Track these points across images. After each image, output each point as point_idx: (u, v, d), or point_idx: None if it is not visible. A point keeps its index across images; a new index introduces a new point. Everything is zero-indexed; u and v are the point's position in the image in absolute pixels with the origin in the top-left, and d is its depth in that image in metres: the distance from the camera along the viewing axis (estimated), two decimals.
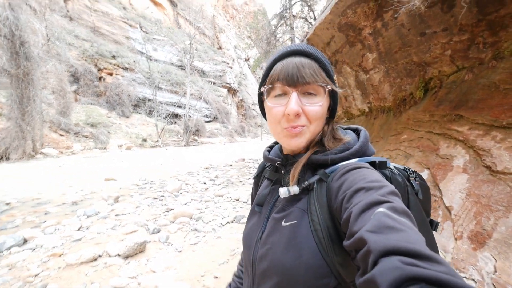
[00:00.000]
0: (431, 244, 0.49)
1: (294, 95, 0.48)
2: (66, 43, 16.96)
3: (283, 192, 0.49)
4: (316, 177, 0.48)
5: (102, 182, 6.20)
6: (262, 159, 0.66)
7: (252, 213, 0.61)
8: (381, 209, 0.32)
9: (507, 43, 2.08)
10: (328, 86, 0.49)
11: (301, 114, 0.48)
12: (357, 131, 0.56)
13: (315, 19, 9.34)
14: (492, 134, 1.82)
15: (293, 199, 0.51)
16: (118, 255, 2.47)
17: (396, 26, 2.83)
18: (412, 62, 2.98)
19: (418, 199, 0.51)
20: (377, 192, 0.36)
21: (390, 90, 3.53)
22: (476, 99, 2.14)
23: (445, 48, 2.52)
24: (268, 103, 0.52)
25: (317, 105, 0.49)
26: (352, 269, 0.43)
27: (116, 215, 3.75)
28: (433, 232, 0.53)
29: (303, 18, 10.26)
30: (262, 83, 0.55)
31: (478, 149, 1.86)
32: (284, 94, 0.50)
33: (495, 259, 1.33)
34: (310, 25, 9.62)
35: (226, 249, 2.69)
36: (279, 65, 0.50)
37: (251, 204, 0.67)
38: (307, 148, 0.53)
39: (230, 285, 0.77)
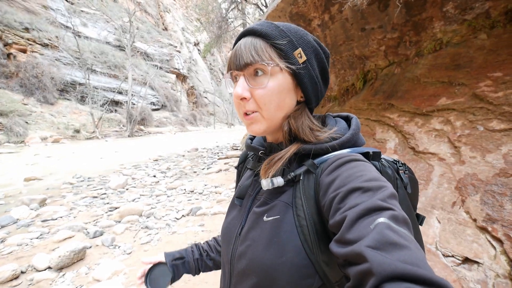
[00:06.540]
0: (419, 239, 0.50)
1: (241, 79, 0.45)
2: None
3: (265, 184, 0.44)
4: (303, 168, 0.44)
5: (21, 182, 5.13)
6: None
7: (232, 206, 0.57)
8: (382, 219, 0.29)
9: (426, 42, 2.44)
10: (271, 64, 0.43)
11: (249, 98, 0.45)
12: (347, 119, 0.52)
13: (266, 6, 9.30)
14: (415, 120, 2.15)
15: (276, 192, 0.46)
16: (49, 268, 2.10)
17: (341, 20, 3.02)
18: (354, 55, 3.25)
19: (406, 193, 0.49)
20: (376, 196, 0.33)
21: (336, 81, 3.82)
22: (403, 90, 2.48)
23: (380, 44, 2.82)
24: (230, 89, 0.49)
25: (262, 88, 0.44)
26: (338, 268, 0.41)
27: (44, 221, 3.17)
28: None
29: (254, 4, 10.10)
30: None
31: (405, 133, 2.18)
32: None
33: None
34: (262, 12, 9.56)
35: (183, 244, 2.57)
36: (232, 50, 0.48)
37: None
38: (290, 139, 0.47)
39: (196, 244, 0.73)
